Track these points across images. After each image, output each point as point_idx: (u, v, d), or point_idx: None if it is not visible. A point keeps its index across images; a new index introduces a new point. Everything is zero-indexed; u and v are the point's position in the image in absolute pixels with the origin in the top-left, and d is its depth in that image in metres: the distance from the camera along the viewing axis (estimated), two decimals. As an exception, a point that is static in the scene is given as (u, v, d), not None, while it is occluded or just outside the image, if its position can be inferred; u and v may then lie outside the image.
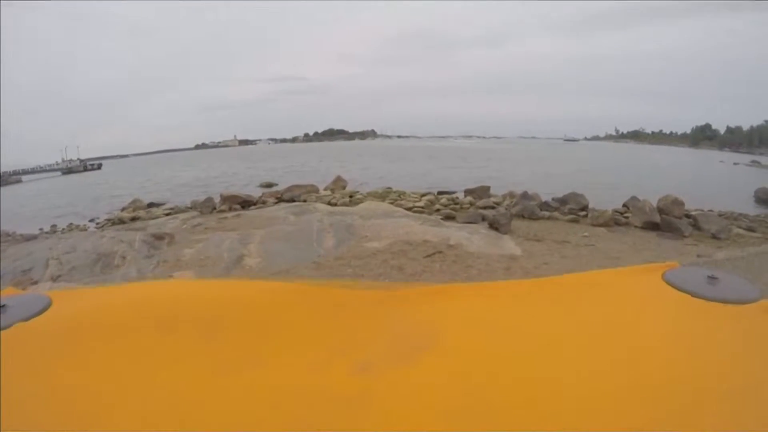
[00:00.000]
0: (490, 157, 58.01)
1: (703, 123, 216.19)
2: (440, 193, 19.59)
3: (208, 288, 1.54)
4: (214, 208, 17.86)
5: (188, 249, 9.62)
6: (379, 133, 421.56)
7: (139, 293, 1.35)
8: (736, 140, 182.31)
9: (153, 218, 17.89)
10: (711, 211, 17.51)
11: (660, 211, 14.44)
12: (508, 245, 9.34)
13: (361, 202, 17.53)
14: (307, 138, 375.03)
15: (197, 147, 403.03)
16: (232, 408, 0.73)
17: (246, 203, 18.17)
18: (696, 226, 13.47)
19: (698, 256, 7.67)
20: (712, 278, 1.10)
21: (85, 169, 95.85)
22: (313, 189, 20.92)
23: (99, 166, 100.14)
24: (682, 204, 15.72)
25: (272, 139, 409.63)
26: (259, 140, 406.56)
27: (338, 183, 22.44)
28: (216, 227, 13.38)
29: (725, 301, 1.00)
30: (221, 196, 18.66)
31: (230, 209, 17.68)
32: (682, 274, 1.18)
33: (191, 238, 11.12)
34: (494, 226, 11.26)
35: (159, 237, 10.97)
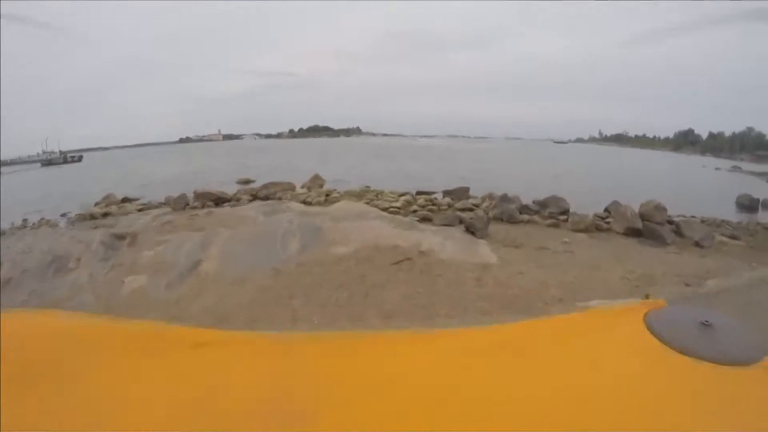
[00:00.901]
0: (476, 158, 57.81)
1: (685, 128, 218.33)
2: (419, 193, 19.10)
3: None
4: (187, 204, 17.26)
5: (148, 251, 9.05)
6: (364, 130, 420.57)
7: None
8: (717, 145, 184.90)
9: (125, 214, 17.22)
10: (693, 217, 17.32)
11: (642, 217, 14.11)
12: (484, 251, 8.88)
13: (337, 201, 17.06)
14: (292, 134, 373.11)
15: (181, 141, 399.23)
16: None
17: (219, 200, 17.58)
18: (679, 233, 13.17)
19: (686, 285, 7.18)
20: (705, 324, 0.94)
21: (65, 162, 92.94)
22: (289, 187, 20.34)
23: (80, 159, 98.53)
24: (664, 210, 15.41)
25: (257, 135, 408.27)
26: (245, 135, 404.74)
27: (316, 181, 21.87)
28: (184, 225, 12.81)
29: (721, 360, 0.85)
30: (195, 192, 18.02)
31: (203, 206, 17.06)
32: (670, 317, 1.03)
33: (155, 238, 10.52)
34: (471, 230, 10.81)
35: (120, 237, 10.37)
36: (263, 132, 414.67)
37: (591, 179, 34.04)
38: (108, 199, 20.47)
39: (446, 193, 18.07)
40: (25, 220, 17.60)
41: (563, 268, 7.94)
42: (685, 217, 16.87)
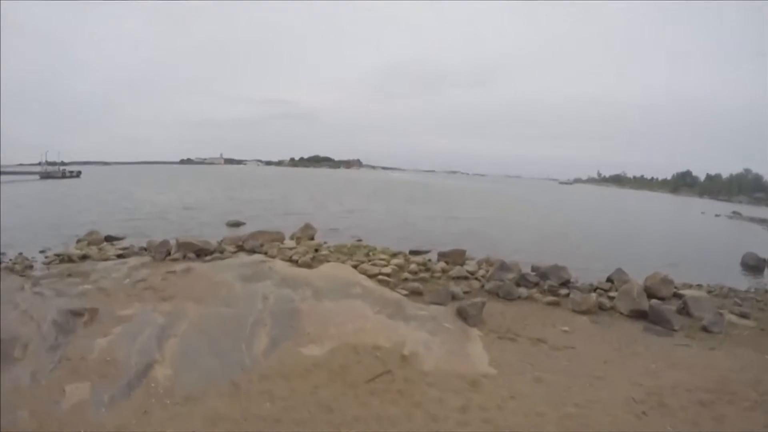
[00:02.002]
0: (477, 203, 57.12)
1: (683, 170, 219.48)
2: (412, 252, 18.29)
3: None
4: (168, 254, 16.41)
5: (101, 338, 8.07)
6: (364, 162, 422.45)
7: None
8: (715, 187, 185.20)
9: (103, 259, 16.34)
10: (699, 286, 16.51)
11: (648, 291, 13.31)
12: (474, 352, 7.97)
13: (326, 259, 16.22)
14: (293, 163, 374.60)
15: (182, 162, 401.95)
16: None
17: (201, 252, 16.72)
18: (686, 311, 12.30)
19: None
20: None
21: (64, 176, 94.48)
22: (278, 237, 19.47)
23: (78, 174, 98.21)
24: (670, 283, 14.65)
25: (259, 161, 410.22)
26: (248, 161, 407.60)
27: (306, 231, 21.00)
28: (157, 287, 11.94)
29: None
30: (177, 242, 17.10)
31: (184, 257, 16.29)
32: None
33: (117, 312, 9.58)
34: (463, 315, 9.92)
35: (77, 314, 9.43)
36: (264, 159, 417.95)
37: (596, 231, 33.38)
38: (91, 236, 19.58)
39: (441, 255, 17.14)
40: (2, 254, 16.79)
41: (563, 382, 7.01)
42: (691, 286, 16.13)
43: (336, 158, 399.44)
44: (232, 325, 8.43)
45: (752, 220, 58.07)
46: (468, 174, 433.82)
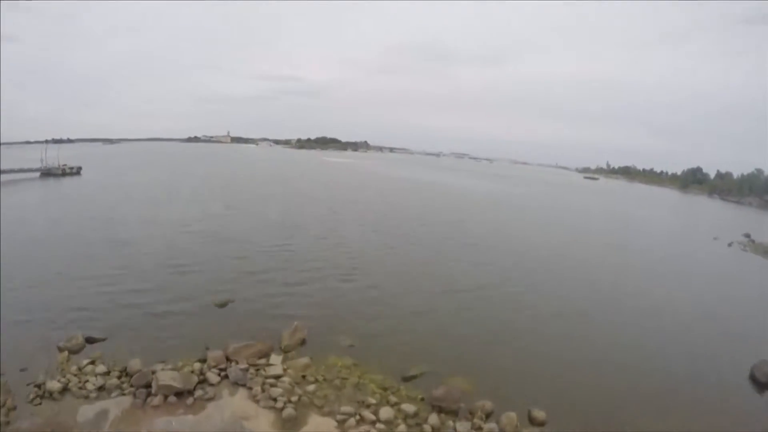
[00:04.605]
0: (491, 227, 54.99)
1: (694, 166, 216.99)
2: (405, 379, 17.53)
3: None
4: (149, 393, 15.98)
5: None
6: (371, 144, 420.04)
7: None
8: (725, 186, 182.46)
9: (84, 396, 16.15)
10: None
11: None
12: None
13: (312, 402, 15.72)
14: (300, 144, 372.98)
15: (189, 139, 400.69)
16: None
17: (180, 394, 16.01)
18: None
19: None
20: None
21: (64, 174, 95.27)
22: (264, 351, 18.88)
23: (78, 171, 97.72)
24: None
25: (266, 139, 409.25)
26: (258, 141, 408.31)
27: (295, 336, 20.14)
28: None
29: None
30: (157, 383, 16.13)
31: (165, 399, 15.80)
32: None
33: None
34: None
35: None
36: (271, 137, 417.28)
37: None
38: (71, 342, 19.56)
39: (434, 405, 16.04)
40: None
41: None
42: None
43: (343, 139, 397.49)
44: None
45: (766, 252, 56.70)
46: (477, 159, 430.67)
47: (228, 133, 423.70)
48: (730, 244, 61.34)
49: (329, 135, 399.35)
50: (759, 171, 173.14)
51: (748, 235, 69.96)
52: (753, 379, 21.07)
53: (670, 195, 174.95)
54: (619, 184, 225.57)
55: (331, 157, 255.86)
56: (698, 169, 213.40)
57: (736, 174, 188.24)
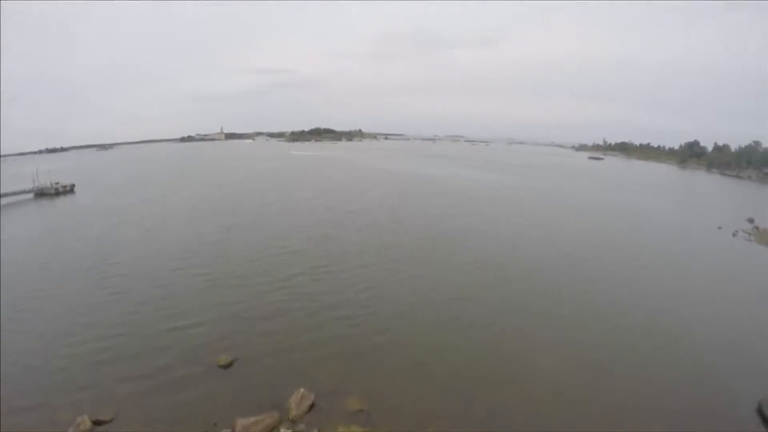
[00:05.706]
0: (495, 247, 53.05)
1: (691, 139, 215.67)
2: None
3: None
4: None
5: None
6: (366, 132, 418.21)
7: None
8: (723, 159, 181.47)
9: None
10: None
11: None
12: None
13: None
14: (294, 136, 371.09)
15: (183, 139, 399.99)
16: None
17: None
18: None
19: None
20: None
21: (57, 193, 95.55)
22: (272, 425, 18.40)
23: (71, 189, 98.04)
24: None
25: (261, 134, 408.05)
26: (253, 135, 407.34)
27: (303, 404, 19.47)
28: None
29: None
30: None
31: None
32: None
33: None
34: None
35: None
36: (265, 131, 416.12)
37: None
38: (80, 428, 18.69)
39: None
40: None
41: None
42: None
43: (337, 129, 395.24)
44: None
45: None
46: (473, 141, 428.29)
47: (221, 129, 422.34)
48: (734, 234, 60.38)
49: (324, 126, 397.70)
50: (756, 143, 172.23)
51: (752, 221, 69.19)
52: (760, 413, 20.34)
53: (669, 173, 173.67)
54: (621, 162, 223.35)
55: (304, 150, 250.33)
56: (695, 143, 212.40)
57: (733, 147, 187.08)
